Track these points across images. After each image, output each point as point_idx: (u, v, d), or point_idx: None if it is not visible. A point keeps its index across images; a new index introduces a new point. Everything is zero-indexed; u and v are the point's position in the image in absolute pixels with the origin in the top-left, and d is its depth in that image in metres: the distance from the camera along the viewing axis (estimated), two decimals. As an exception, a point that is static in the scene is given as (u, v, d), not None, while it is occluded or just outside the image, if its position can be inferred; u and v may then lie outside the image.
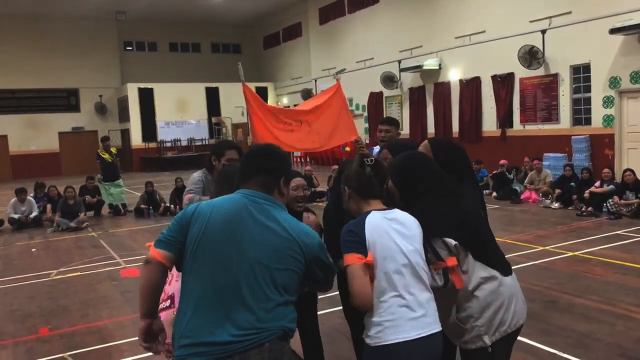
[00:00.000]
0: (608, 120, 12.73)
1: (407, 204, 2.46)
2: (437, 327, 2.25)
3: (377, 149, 4.46)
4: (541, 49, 13.78)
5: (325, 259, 2.15)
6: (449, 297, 2.43)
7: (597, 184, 10.03)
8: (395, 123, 4.37)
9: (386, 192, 2.48)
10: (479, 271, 2.43)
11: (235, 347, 1.86)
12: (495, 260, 2.50)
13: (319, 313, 3.53)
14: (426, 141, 2.89)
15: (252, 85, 27.09)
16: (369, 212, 2.31)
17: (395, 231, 2.27)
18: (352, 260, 2.19)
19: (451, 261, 2.36)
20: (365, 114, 21.11)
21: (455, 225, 2.42)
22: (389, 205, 2.41)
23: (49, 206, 11.78)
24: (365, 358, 2.27)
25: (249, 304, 1.91)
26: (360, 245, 2.21)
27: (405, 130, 18.84)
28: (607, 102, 12.70)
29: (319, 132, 4.98)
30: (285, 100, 27.46)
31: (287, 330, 1.99)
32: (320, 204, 11.97)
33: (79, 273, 7.45)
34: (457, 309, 2.43)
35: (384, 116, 19.84)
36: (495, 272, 2.46)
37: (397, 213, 2.35)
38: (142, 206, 12.15)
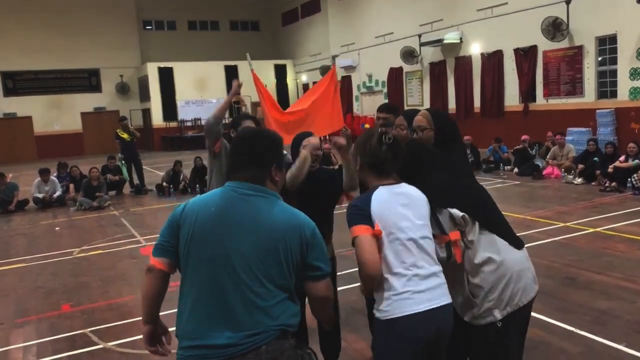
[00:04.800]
0: (635, 92, 12.38)
1: (409, 181, 2.44)
2: (446, 299, 2.25)
3: None
4: (565, 20, 13.40)
5: (320, 244, 2.03)
6: (461, 271, 2.41)
7: (622, 158, 9.79)
8: (394, 110, 4.10)
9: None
10: (485, 244, 2.41)
11: (232, 350, 1.84)
12: (504, 230, 2.49)
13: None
14: (425, 111, 2.87)
15: (271, 63, 27.12)
16: (376, 188, 2.29)
17: (402, 206, 2.26)
18: (360, 231, 2.19)
19: (454, 235, 2.35)
20: (385, 90, 20.89)
21: (461, 195, 2.44)
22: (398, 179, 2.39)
23: (71, 185, 11.99)
24: (376, 331, 2.30)
25: (245, 305, 1.86)
26: (366, 218, 2.21)
27: (426, 106, 18.62)
28: (634, 74, 12.34)
29: (319, 120, 4.99)
30: (304, 78, 27.31)
31: (286, 328, 1.93)
32: (338, 181, 11.93)
33: (100, 251, 7.59)
34: (468, 282, 2.41)
35: (404, 92, 19.67)
36: (501, 246, 2.44)
37: (404, 187, 2.33)
38: (164, 184, 12.23)
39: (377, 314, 2.24)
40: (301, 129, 4.91)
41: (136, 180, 13.03)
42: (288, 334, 1.94)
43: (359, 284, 2.46)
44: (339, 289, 3.94)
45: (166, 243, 2.00)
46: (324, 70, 23.11)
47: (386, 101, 20.35)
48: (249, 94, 26.80)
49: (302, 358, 1.97)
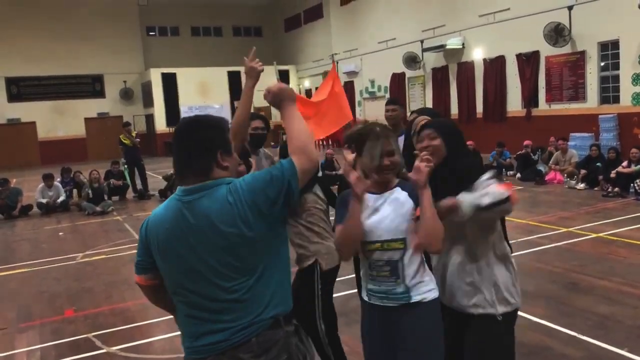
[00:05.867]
0: (637, 98, 12.39)
1: (451, 161, 2.44)
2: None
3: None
4: (567, 26, 13.43)
5: (250, 186, 1.85)
6: (490, 264, 2.44)
7: (625, 164, 9.78)
8: (399, 102, 4.58)
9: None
10: (503, 238, 2.52)
11: (224, 345, 1.85)
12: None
13: (341, 294, 3.45)
14: (425, 116, 3.05)
15: (273, 69, 27.14)
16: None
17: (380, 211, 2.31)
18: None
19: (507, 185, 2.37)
20: (388, 95, 20.92)
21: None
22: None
23: (75, 191, 12.07)
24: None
25: (229, 306, 1.85)
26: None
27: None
28: (637, 79, 12.34)
29: (327, 118, 5.00)
30: (307, 83, 27.39)
31: (276, 317, 1.89)
32: (341, 186, 11.95)
33: (104, 256, 7.62)
34: (480, 273, 2.44)
35: (407, 98, 19.72)
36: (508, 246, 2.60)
37: (395, 194, 2.34)
38: (171, 173, 12.23)
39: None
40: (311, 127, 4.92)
41: (139, 186, 13.08)
42: (281, 322, 1.90)
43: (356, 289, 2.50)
44: (342, 293, 3.94)
45: (143, 262, 2.00)
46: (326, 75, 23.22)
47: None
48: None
49: (297, 347, 1.93)
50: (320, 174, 4.94)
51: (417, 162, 2.21)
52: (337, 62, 23.66)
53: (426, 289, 2.32)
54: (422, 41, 18.41)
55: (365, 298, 2.39)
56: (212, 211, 1.82)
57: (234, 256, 1.83)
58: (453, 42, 17.13)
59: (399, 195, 2.32)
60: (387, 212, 2.29)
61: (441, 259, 2.52)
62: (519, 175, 11.97)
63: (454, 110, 17.67)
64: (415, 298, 2.28)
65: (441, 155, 2.42)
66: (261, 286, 1.87)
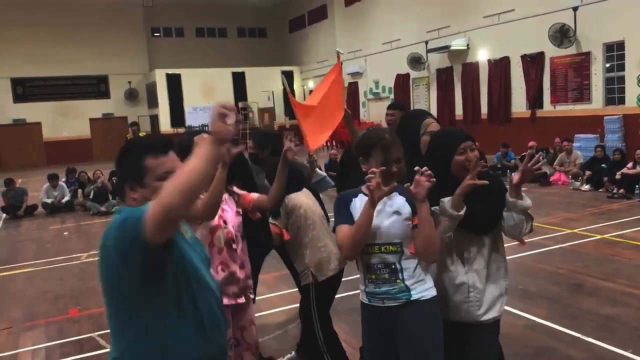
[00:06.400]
0: (642, 99, 12.34)
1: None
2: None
3: None
4: (572, 27, 13.39)
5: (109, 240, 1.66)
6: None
7: (630, 165, 9.75)
8: (400, 107, 4.44)
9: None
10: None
11: None
12: None
13: (341, 294, 3.46)
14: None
15: (278, 70, 27.24)
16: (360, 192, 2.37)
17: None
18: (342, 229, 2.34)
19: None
20: (392, 96, 20.91)
21: None
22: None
23: (79, 191, 12.12)
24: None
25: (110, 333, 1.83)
26: (350, 218, 2.31)
27: (432, 112, 18.58)
28: (642, 80, 12.30)
29: (328, 113, 4.93)
30: (311, 84, 27.38)
31: None
32: (345, 187, 11.96)
33: (108, 256, 7.63)
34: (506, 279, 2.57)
35: (411, 99, 19.71)
36: None
37: (393, 199, 2.37)
38: None
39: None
40: (316, 127, 4.88)
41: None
42: None
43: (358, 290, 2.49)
44: (343, 294, 3.93)
45: None
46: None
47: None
48: (255, 100, 27.01)
49: None
50: (324, 174, 4.95)
51: (418, 176, 2.23)
52: (342, 63, 23.72)
53: (425, 287, 2.34)
54: (426, 42, 18.39)
55: (365, 301, 2.38)
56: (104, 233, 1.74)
57: (102, 284, 1.74)
58: (457, 43, 17.11)
59: (398, 200, 2.35)
60: (386, 216, 2.32)
61: (473, 269, 2.46)
62: (523, 176, 11.92)
63: (459, 111, 17.64)
64: (415, 296, 2.30)
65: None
66: (116, 330, 1.75)
